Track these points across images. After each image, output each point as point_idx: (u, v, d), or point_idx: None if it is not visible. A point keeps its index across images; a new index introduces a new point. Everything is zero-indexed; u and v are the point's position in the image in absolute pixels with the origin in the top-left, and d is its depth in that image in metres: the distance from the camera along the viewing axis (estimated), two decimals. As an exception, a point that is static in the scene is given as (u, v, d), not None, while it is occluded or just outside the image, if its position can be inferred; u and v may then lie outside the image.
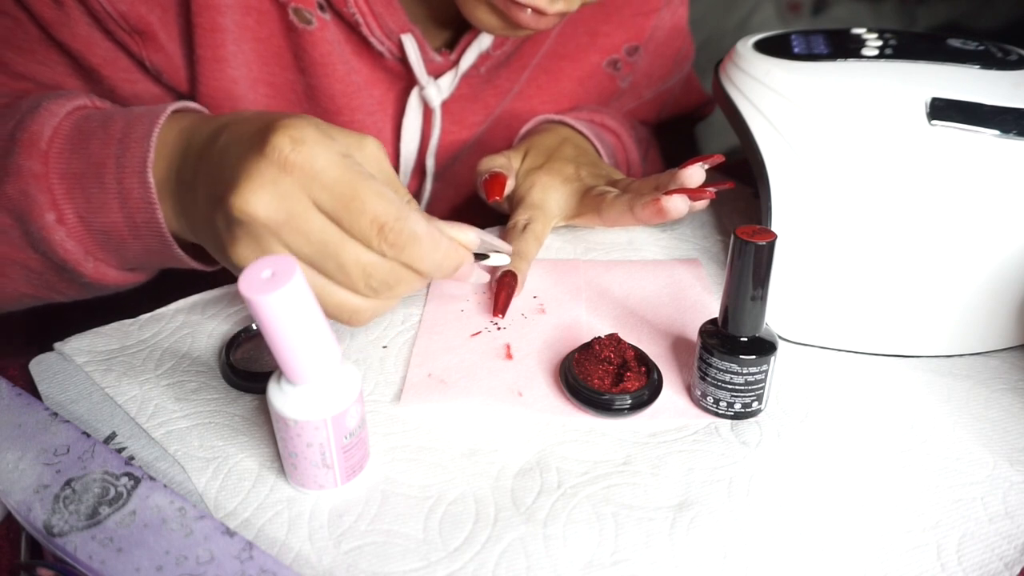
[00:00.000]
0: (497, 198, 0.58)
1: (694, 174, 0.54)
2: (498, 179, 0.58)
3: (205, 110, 0.52)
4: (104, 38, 0.54)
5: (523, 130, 0.69)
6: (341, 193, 0.37)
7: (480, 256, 0.46)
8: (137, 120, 0.47)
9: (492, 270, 0.53)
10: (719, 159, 0.54)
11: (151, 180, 0.45)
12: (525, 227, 0.57)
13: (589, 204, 0.59)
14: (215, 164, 0.41)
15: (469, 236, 0.43)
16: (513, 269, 0.52)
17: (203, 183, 0.42)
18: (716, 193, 0.53)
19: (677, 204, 0.52)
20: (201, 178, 0.42)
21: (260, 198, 0.37)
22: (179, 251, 0.48)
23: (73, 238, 0.48)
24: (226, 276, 0.52)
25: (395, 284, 0.40)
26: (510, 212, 0.61)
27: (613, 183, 0.61)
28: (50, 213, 0.47)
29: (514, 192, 0.61)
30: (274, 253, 0.38)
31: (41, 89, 0.55)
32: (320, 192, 0.37)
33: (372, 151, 0.43)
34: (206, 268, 0.51)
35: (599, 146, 0.67)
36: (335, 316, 0.41)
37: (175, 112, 0.48)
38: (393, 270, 0.39)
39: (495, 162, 0.60)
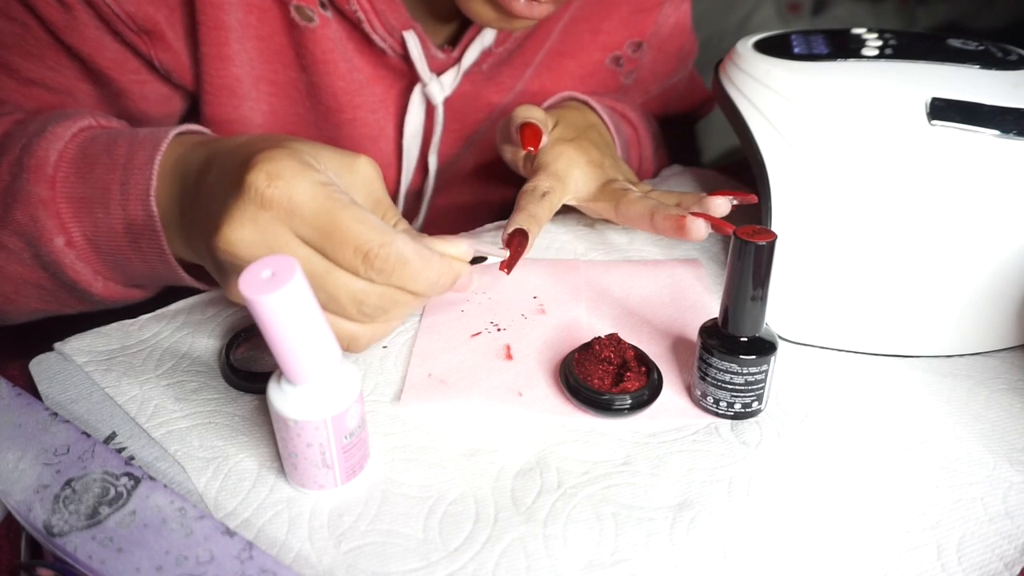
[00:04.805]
0: (531, 149, 0.56)
1: (721, 205, 0.52)
2: (537, 131, 0.57)
3: (206, 131, 0.51)
4: (113, 40, 0.54)
5: (547, 103, 0.68)
6: (321, 224, 0.37)
7: (478, 259, 0.45)
8: (140, 146, 0.47)
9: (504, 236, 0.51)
10: (752, 199, 0.52)
11: (155, 209, 0.46)
12: (544, 195, 0.55)
13: (608, 194, 0.57)
14: (205, 201, 0.42)
15: (461, 248, 0.43)
16: (524, 229, 0.50)
17: (200, 218, 0.43)
18: (736, 205, 0.52)
19: (700, 227, 0.50)
20: (197, 214, 0.43)
21: (241, 236, 0.37)
22: (184, 275, 0.49)
23: (82, 260, 0.49)
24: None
25: (390, 307, 0.40)
26: (526, 173, 0.59)
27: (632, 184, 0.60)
28: (59, 237, 0.48)
29: (538, 156, 0.59)
30: None
31: (52, 94, 0.56)
32: (301, 225, 0.37)
33: (364, 172, 0.42)
34: (209, 288, 0.52)
35: (616, 137, 0.66)
36: None
37: (178, 135, 0.48)
38: (385, 294, 0.39)
39: (533, 113, 0.58)
